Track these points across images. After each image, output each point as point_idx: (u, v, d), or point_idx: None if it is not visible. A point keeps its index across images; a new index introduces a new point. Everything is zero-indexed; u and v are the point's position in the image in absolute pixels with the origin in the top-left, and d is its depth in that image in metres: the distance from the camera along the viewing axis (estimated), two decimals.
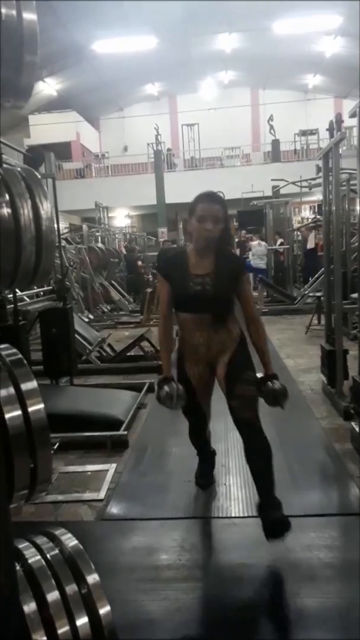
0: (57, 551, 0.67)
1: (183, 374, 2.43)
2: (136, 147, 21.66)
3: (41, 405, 0.62)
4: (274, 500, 2.20)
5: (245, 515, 2.49)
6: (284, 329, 7.69)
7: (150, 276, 11.10)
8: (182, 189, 18.58)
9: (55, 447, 3.11)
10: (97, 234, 11.25)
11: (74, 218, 18.18)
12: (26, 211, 0.58)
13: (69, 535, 0.68)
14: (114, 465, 3.12)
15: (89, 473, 3.08)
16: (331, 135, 4.08)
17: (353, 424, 3.26)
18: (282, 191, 12.88)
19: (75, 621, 0.63)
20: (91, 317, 7.83)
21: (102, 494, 2.78)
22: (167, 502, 2.66)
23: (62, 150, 21.24)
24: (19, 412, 0.61)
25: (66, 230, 12.39)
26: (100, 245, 9.99)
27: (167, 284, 2.41)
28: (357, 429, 3.15)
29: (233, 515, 2.54)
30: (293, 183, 11.06)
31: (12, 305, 3.37)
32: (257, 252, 10.78)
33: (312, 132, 20.50)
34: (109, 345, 6.21)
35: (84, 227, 10.67)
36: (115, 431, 3.49)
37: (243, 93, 23.95)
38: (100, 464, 3.17)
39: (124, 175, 20.67)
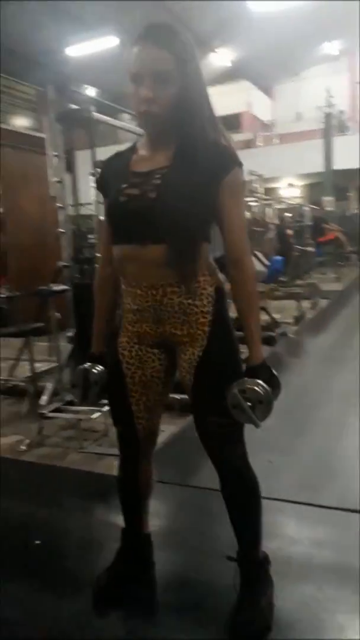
0: None
1: (113, 354, 1.44)
2: (311, 112, 20.60)
3: None
4: (255, 588, 1.49)
5: None
6: None
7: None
8: (354, 153, 17.20)
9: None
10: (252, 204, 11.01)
11: None
12: None
13: None
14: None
15: None
16: None
17: None
18: None
19: None
20: None
21: None
22: None
23: (233, 121, 21.21)
24: None
25: None
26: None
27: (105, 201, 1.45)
28: None
29: None
30: None
31: None
32: None
33: None
34: None
35: None
36: None
37: None
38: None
39: (291, 142, 19.88)
